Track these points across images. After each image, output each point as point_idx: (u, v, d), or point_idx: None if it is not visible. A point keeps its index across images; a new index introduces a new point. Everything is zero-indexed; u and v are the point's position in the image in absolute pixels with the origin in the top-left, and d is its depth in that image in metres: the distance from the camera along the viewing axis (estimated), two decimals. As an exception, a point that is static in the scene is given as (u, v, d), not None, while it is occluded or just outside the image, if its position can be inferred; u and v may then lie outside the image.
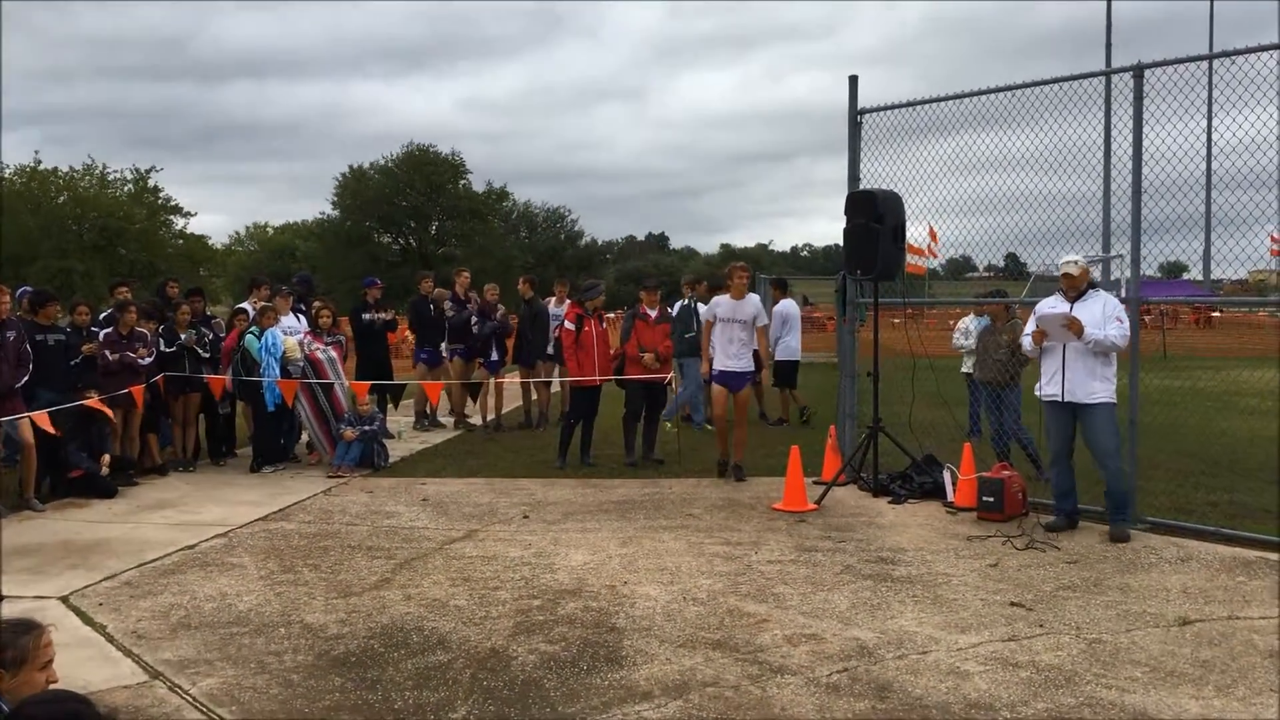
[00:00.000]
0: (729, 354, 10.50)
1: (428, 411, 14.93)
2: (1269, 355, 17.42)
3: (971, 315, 12.20)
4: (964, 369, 12.23)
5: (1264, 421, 12.24)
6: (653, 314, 11.66)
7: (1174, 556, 7.55)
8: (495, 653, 5.66)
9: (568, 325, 11.63)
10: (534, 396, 14.83)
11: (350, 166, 66.13)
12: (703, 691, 5.08)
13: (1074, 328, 8.00)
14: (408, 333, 19.54)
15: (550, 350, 14.11)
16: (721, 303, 10.56)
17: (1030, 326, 8.50)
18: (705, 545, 7.96)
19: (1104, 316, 8.05)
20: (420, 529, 8.62)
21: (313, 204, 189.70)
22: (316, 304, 12.80)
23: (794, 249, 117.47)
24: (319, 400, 11.72)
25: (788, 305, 15.48)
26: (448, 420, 15.09)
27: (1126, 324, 8.07)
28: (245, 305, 12.78)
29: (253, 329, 11.65)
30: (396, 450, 12.54)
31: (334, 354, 11.97)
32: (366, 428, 11.55)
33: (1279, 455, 9.93)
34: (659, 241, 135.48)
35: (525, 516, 9.04)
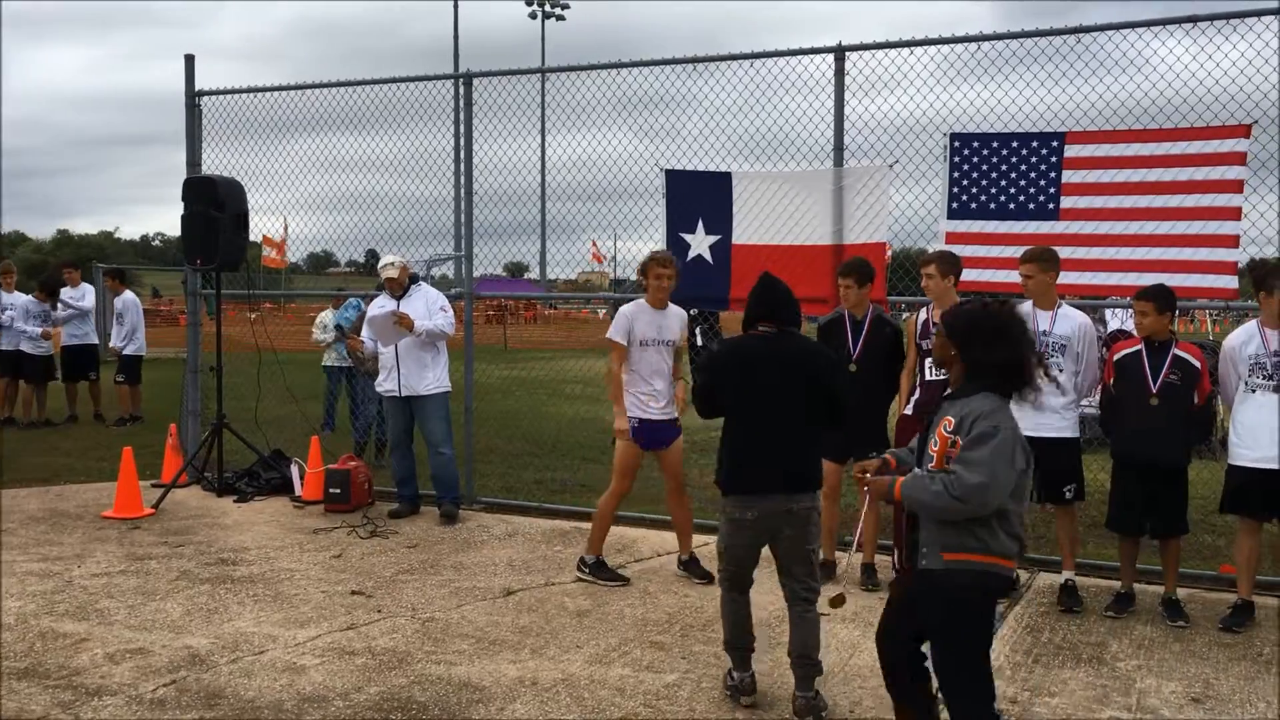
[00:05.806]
0: (653, 394, 6.90)
1: None
2: (593, 347, 19.64)
3: (330, 309, 12.18)
4: (325, 362, 12.20)
5: (584, 405, 13.77)
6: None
7: (503, 533, 8.19)
8: None
9: None
10: None
11: None
12: (0, 730, 4.51)
13: (405, 323, 8.35)
14: None
15: None
16: (640, 313, 6.89)
17: (365, 331, 8.72)
18: (18, 563, 7.08)
19: (428, 310, 8.53)
20: None
21: None
22: None
23: (145, 238, 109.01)
24: None
25: (131, 297, 14.43)
26: None
27: (450, 313, 8.65)
28: None
29: None
30: None
31: None
32: None
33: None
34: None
35: None
